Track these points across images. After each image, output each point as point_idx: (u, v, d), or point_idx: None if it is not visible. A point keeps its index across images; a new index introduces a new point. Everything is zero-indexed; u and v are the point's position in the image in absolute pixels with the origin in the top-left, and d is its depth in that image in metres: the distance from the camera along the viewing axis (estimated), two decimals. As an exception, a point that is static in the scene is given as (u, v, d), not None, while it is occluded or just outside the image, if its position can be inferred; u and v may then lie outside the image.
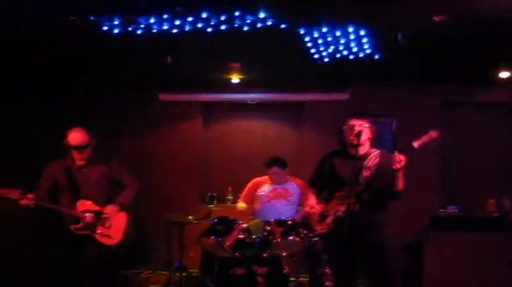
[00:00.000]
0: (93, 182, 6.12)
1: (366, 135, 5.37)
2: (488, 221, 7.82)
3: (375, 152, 5.42)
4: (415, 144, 4.97)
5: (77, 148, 6.00)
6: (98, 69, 8.44)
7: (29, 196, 5.73)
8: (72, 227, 5.87)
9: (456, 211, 8.05)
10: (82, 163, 6.09)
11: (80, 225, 5.90)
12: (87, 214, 5.95)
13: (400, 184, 5.09)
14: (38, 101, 8.78)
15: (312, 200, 5.55)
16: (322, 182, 5.63)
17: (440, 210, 8.11)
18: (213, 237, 6.90)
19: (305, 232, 6.85)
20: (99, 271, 6.04)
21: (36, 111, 8.76)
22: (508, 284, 7.52)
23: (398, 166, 4.92)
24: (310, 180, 5.81)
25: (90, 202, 6.02)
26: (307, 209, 5.51)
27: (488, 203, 8.03)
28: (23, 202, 5.71)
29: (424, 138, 4.98)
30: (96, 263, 5.98)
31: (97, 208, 6.04)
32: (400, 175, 5.06)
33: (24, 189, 5.84)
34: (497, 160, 8.60)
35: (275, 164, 7.62)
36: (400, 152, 4.98)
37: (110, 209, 6.08)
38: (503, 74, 8.05)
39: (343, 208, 5.21)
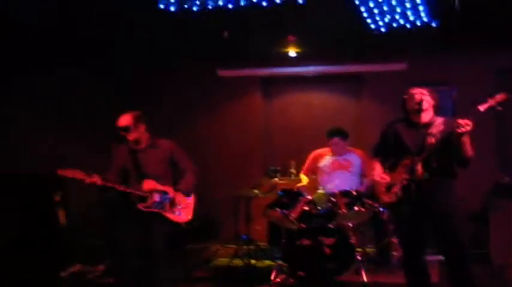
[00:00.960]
0: (156, 163, 6.15)
1: (428, 103, 5.29)
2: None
3: (439, 120, 5.31)
4: (481, 108, 4.84)
5: (120, 129, 6.03)
6: (157, 47, 8.57)
7: (95, 175, 5.79)
8: (140, 205, 5.95)
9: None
10: (142, 145, 6.15)
11: (148, 203, 5.98)
12: (154, 193, 6.03)
13: (468, 150, 5.04)
14: (93, 84, 8.90)
15: (379, 169, 5.52)
16: (387, 150, 5.55)
17: (504, 177, 8.04)
18: (279, 209, 7.03)
19: (370, 202, 6.94)
20: (169, 246, 6.16)
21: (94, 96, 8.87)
22: None
23: (463, 130, 4.86)
24: (374, 149, 5.71)
25: (155, 181, 6.07)
26: (376, 177, 5.45)
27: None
28: (89, 180, 5.77)
29: (490, 102, 4.84)
30: (164, 238, 6.06)
31: (163, 188, 6.10)
32: (467, 139, 4.99)
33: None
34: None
35: (336, 134, 7.64)
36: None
37: (174, 195, 6.11)
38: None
39: (408, 176, 5.20)
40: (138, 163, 6.09)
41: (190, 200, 6.32)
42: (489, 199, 7.85)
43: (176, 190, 6.15)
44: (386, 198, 5.39)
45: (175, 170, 6.34)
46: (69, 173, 5.77)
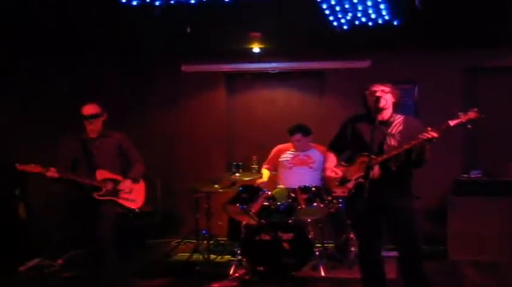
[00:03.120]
0: (107, 153, 6.41)
1: (387, 101, 5.29)
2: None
3: (399, 119, 5.29)
4: (451, 123, 4.84)
5: (86, 117, 6.28)
6: (120, 42, 8.54)
7: (51, 169, 6.04)
8: (96, 194, 6.19)
9: (479, 175, 8.09)
10: (95, 135, 6.39)
11: (103, 192, 6.23)
12: (107, 182, 6.29)
13: (428, 156, 5.08)
14: (59, 73, 8.85)
15: (332, 162, 5.52)
16: (344, 145, 5.53)
17: (463, 175, 8.15)
18: (238, 205, 7.05)
19: (329, 198, 6.99)
20: (124, 236, 6.45)
21: (55, 85, 8.82)
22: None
23: (429, 141, 4.90)
24: (331, 142, 5.72)
25: (107, 171, 6.33)
26: (328, 172, 5.45)
27: (511, 167, 8.04)
28: (49, 173, 6.03)
29: (461, 118, 4.85)
30: (114, 224, 6.27)
31: (115, 176, 6.36)
32: (429, 147, 5.03)
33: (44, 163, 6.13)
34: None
35: (298, 131, 7.74)
36: (434, 129, 4.83)
37: (125, 183, 6.38)
38: (524, 38, 8.02)
39: (364, 174, 5.16)
40: (90, 153, 6.33)
41: (141, 186, 6.60)
42: (448, 197, 7.92)
43: (126, 177, 6.42)
44: (339, 191, 5.39)
45: (123, 162, 6.58)
46: (28, 167, 6.04)
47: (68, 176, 6.16)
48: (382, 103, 5.19)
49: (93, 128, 6.34)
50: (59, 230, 8.14)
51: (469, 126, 4.89)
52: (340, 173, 5.37)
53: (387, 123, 5.27)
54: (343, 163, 5.45)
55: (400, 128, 5.23)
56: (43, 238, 7.99)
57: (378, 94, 5.21)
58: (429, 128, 4.87)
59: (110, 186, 6.28)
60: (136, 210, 6.50)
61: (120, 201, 6.34)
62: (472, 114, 4.86)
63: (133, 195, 6.45)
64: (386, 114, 5.28)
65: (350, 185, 5.28)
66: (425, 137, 4.88)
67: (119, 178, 6.37)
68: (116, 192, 6.32)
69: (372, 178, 5.04)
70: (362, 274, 5.49)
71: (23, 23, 7.44)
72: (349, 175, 5.31)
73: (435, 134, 4.85)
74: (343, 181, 5.36)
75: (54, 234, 8.12)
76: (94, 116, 6.29)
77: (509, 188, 7.77)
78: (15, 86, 8.58)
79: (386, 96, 5.24)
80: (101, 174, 6.28)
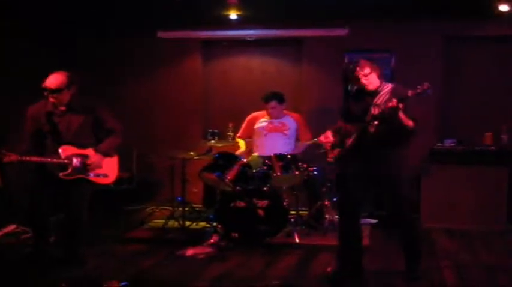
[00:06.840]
0: (75, 128, 5.88)
1: (374, 80, 5.38)
2: (485, 154, 7.93)
3: (387, 88, 5.41)
4: (409, 93, 5.01)
5: (47, 90, 5.71)
6: (93, 8, 8.42)
7: (10, 153, 5.57)
8: (61, 174, 5.73)
9: (453, 144, 8.14)
10: (63, 108, 5.84)
11: (69, 171, 5.75)
12: (74, 159, 5.79)
13: (405, 122, 5.13)
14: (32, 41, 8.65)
15: (329, 129, 5.64)
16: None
17: (438, 143, 8.20)
18: (214, 172, 7.05)
19: (304, 165, 7.03)
20: (100, 202, 6.21)
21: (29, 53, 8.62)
22: (504, 216, 7.70)
23: (391, 105, 5.04)
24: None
25: (73, 146, 5.83)
26: (321, 138, 5.61)
27: (485, 137, 8.11)
28: (6, 159, 5.55)
29: (418, 89, 5.01)
30: (85, 202, 5.92)
31: (83, 151, 5.87)
32: (400, 114, 5.07)
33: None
34: (495, 94, 8.60)
35: (273, 98, 7.75)
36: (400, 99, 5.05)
37: (93, 158, 5.90)
38: (503, 7, 7.97)
39: (349, 142, 5.37)
40: (56, 127, 5.82)
41: (113, 159, 6.18)
42: (423, 165, 7.96)
43: (96, 151, 5.94)
44: (330, 155, 5.59)
45: (100, 131, 6.11)
46: None
47: (28, 159, 5.67)
48: (370, 87, 5.35)
49: (58, 102, 5.76)
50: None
51: (424, 95, 5.03)
52: (331, 139, 5.52)
53: (374, 93, 5.39)
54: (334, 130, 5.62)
55: (387, 97, 5.31)
56: (19, 205, 7.90)
57: (363, 81, 5.32)
58: (393, 99, 5.04)
59: (77, 163, 5.79)
60: (111, 185, 6.19)
61: (90, 178, 5.89)
62: (425, 85, 5.01)
63: (104, 169, 6.00)
64: (373, 85, 5.37)
65: (336, 151, 5.51)
66: (389, 106, 5.05)
67: (87, 152, 5.87)
68: (84, 169, 5.85)
69: (349, 145, 5.33)
70: (340, 241, 5.60)
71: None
72: (337, 141, 5.52)
73: (393, 103, 5.00)
74: (333, 146, 5.55)
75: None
76: (58, 91, 5.69)
77: (482, 157, 7.86)
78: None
79: (370, 79, 5.34)
80: (66, 150, 5.77)
